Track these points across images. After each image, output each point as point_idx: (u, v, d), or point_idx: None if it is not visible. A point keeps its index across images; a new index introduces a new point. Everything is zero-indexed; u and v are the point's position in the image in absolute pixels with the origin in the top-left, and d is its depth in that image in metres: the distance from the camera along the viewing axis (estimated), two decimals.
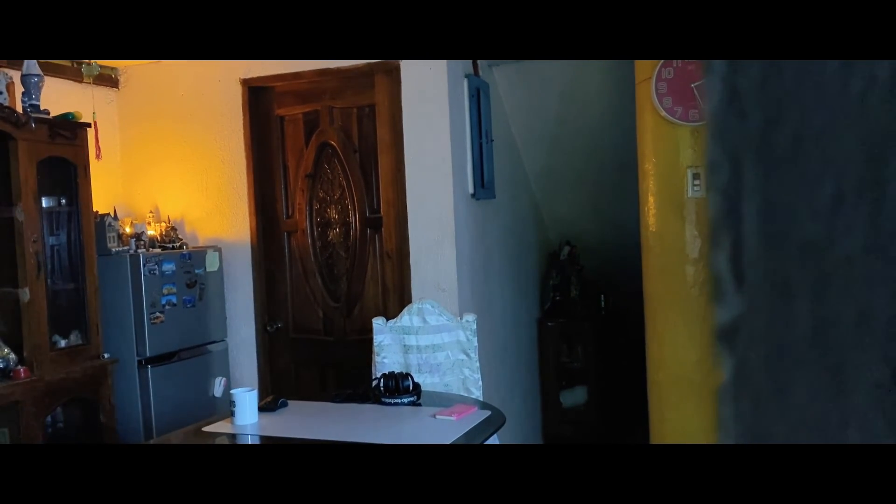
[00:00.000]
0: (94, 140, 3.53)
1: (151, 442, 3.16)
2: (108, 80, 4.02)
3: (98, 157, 3.60)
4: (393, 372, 2.75)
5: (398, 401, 2.63)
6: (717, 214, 0.27)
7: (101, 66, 3.95)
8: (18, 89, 3.19)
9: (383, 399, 2.65)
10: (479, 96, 3.64)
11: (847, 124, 0.26)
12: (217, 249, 3.81)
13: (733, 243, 0.27)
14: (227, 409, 2.65)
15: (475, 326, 3.02)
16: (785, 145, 0.26)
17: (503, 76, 4.00)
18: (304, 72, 3.63)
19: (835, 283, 0.27)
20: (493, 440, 2.40)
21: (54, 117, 3.21)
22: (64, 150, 3.25)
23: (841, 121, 0.26)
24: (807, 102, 0.26)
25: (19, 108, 3.14)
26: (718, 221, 0.27)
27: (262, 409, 2.55)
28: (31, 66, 3.17)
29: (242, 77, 3.76)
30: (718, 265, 0.28)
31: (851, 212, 0.26)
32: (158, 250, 3.58)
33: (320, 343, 3.79)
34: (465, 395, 2.95)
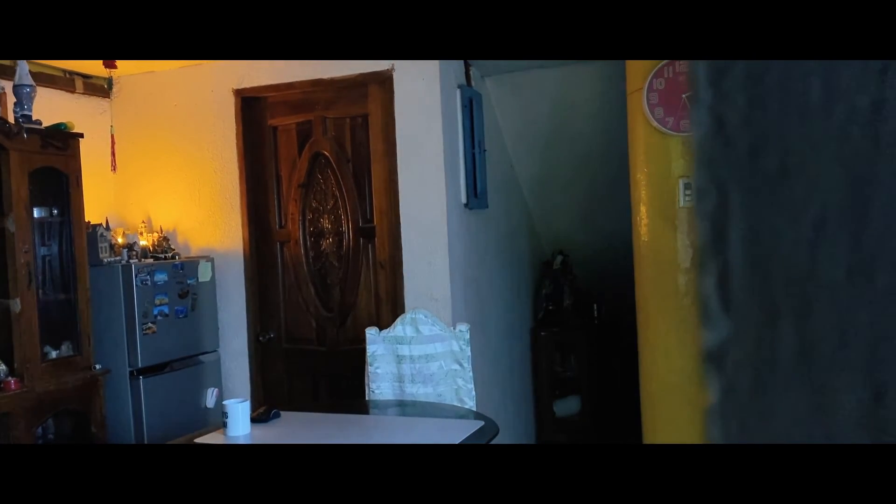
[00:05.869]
0: (110, 152, 3.63)
1: None
2: (101, 91, 4.01)
3: (113, 169, 3.66)
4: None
5: None
6: (704, 240, 0.28)
7: (93, 76, 3.95)
8: (10, 99, 3.18)
9: None
10: (471, 106, 3.65)
11: (829, 152, 0.27)
12: (209, 259, 3.80)
13: (720, 268, 0.28)
14: (219, 420, 2.64)
15: (468, 336, 3.03)
16: (770, 172, 0.27)
17: (496, 86, 4.02)
18: (296, 82, 3.64)
19: (819, 306, 0.27)
20: None
21: (46, 127, 3.21)
22: (56, 161, 3.24)
23: (824, 149, 0.27)
24: (790, 131, 0.27)
25: (11, 119, 3.13)
26: (705, 246, 0.28)
27: (254, 419, 2.54)
28: (24, 76, 3.17)
29: (235, 87, 3.77)
30: (706, 289, 0.28)
31: (834, 237, 0.27)
32: (150, 260, 3.58)
33: (313, 353, 3.79)
34: (459, 405, 2.95)
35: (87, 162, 3.47)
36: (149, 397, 3.42)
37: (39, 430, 3.17)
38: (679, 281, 2.97)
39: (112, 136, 3.72)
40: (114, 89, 4.06)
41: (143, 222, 3.92)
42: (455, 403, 2.95)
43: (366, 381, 3.07)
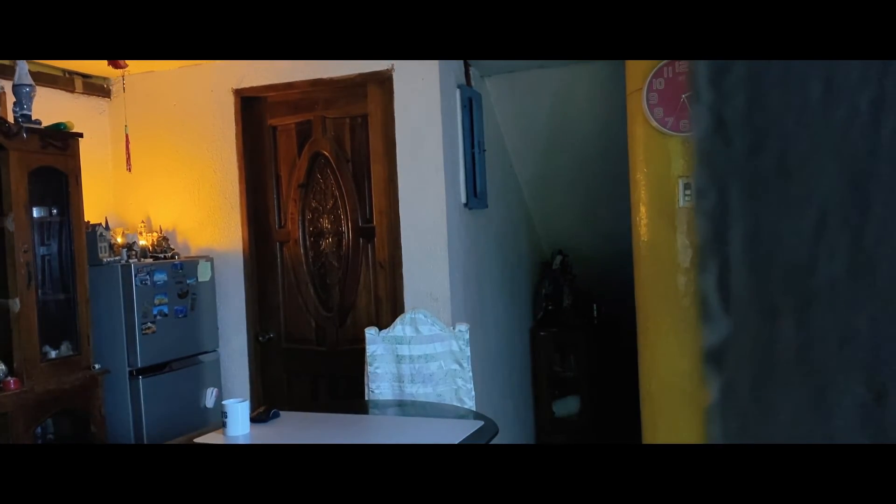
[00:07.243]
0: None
1: None
2: (100, 90, 4.01)
3: (129, 168, 3.67)
4: None
5: None
6: (704, 238, 0.28)
7: (93, 76, 3.95)
8: (10, 99, 3.18)
9: None
10: (471, 106, 3.65)
11: (830, 151, 0.27)
12: (209, 259, 3.80)
13: (720, 266, 0.28)
14: (218, 419, 2.64)
15: (468, 336, 3.03)
16: (770, 172, 0.27)
17: (495, 86, 4.02)
18: (296, 82, 3.64)
19: (819, 306, 0.27)
20: None
21: (46, 127, 3.21)
22: (55, 160, 3.24)
23: (824, 148, 0.27)
24: (791, 130, 0.27)
25: (11, 118, 3.13)
26: (705, 245, 0.28)
27: (254, 419, 2.54)
28: (23, 75, 3.17)
29: (235, 87, 3.77)
30: (706, 288, 0.28)
31: (834, 236, 0.27)
32: (150, 260, 3.58)
33: (313, 353, 3.79)
34: (458, 405, 2.95)
35: (87, 162, 3.47)
36: (148, 397, 3.42)
37: (39, 429, 3.17)
38: (679, 281, 2.97)
39: (126, 135, 3.70)
40: (113, 89, 4.06)
41: (143, 222, 3.92)
42: (454, 403, 2.95)
43: (365, 381, 3.07)
